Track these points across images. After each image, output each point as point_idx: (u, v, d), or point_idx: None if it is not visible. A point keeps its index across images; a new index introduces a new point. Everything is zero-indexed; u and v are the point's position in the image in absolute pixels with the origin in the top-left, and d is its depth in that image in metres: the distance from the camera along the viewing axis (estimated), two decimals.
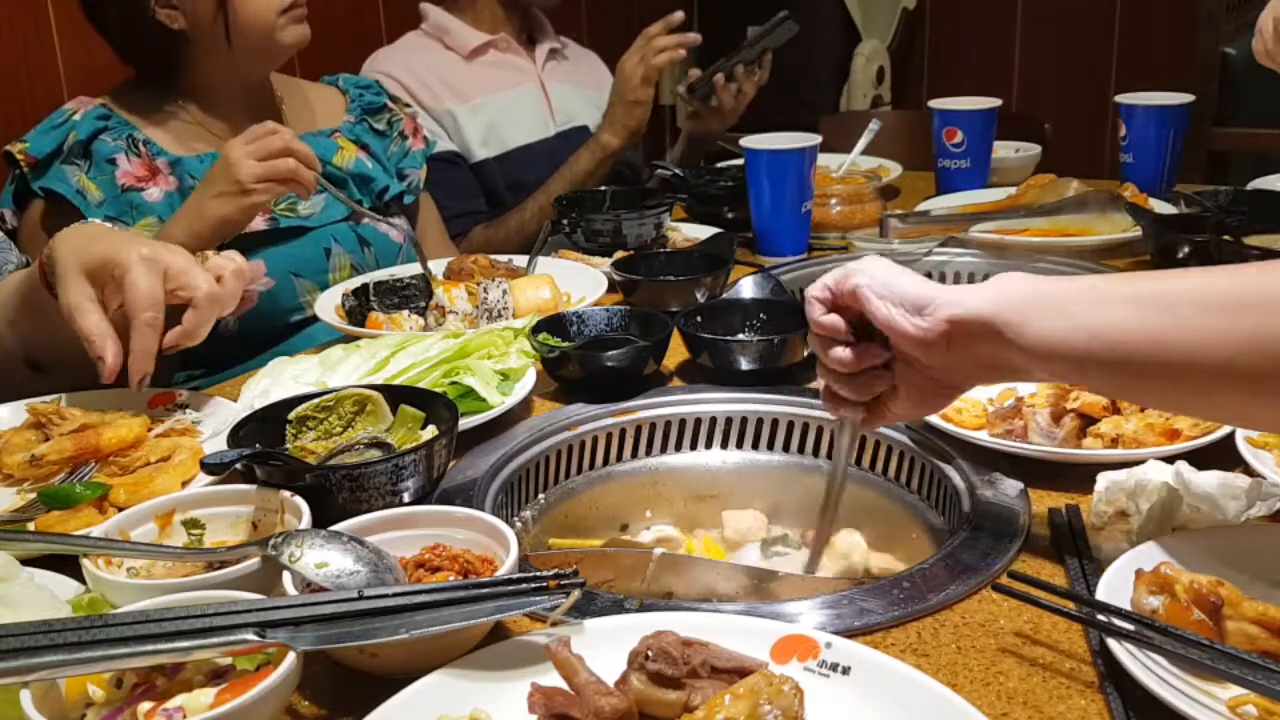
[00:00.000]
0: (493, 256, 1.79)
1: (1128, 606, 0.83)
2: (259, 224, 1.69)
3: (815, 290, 0.97)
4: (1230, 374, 0.78)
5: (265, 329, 1.73)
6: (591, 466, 1.32)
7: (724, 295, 1.64)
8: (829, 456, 1.31)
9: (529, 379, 1.32)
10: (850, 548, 1.18)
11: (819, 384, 1.02)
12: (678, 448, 1.35)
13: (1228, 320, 0.78)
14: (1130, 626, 0.81)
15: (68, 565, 0.95)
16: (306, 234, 1.77)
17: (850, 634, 0.86)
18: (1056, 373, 0.89)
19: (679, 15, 2.14)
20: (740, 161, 1.92)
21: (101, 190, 1.64)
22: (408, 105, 2.07)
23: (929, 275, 1.81)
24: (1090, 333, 0.83)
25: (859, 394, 0.98)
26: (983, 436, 1.16)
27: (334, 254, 1.78)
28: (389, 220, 1.79)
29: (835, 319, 0.96)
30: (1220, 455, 1.06)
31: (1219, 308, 0.79)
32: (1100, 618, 0.82)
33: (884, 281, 0.92)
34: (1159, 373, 0.81)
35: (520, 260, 1.79)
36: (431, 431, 1.15)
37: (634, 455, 1.34)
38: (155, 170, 1.68)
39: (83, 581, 0.93)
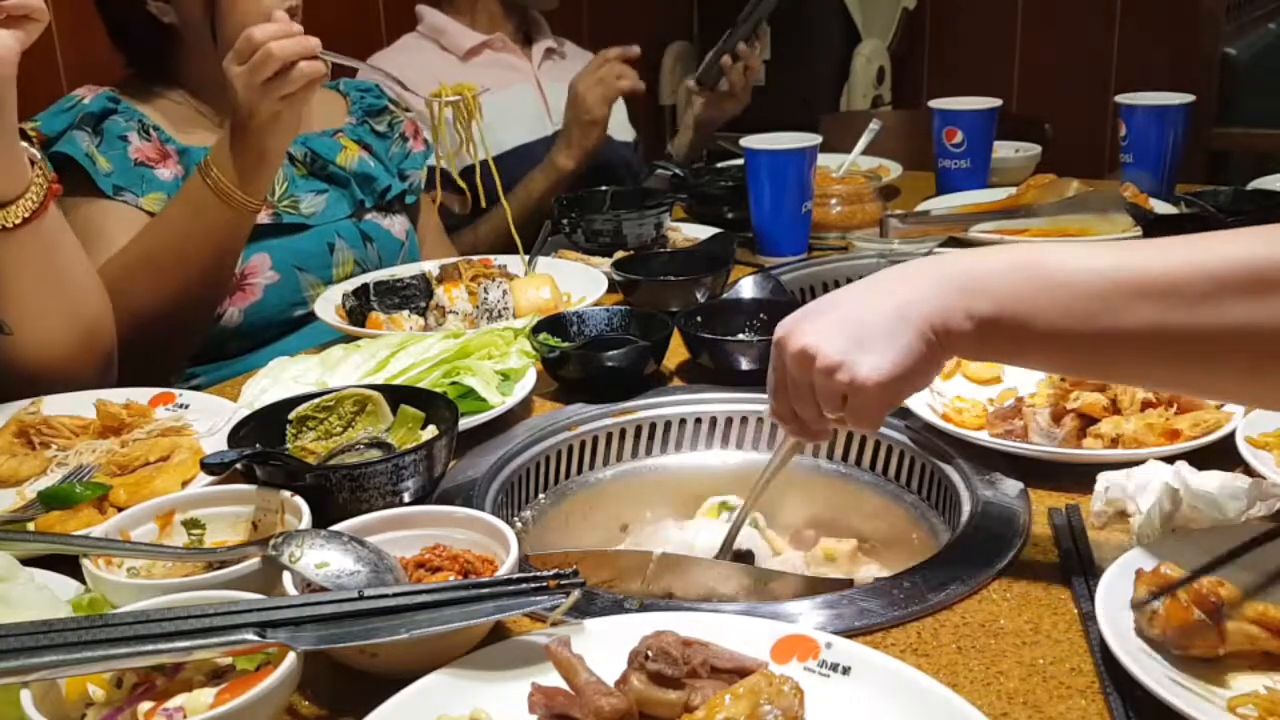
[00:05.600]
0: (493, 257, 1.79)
1: (1128, 607, 0.83)
2: (263, 218, 1.69)
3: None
4: None
5: (269, 323, 1.74)
6: (591, 466, 1.32)
7: (724, 295, 1.64)
8: (829, 457, 1.31)
9: (529, 379, 1.32)
10: (840, 555, 1.18)
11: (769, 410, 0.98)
12: (678, 448, 1.35)
13: None
14: (1130, 626, 0.81)
15: (68, 565, 0.95)
16: (309, 229, 1.77)
17: (850, 634, 0.86)
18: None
19: (636, 50, 2.16)
20: (740, 161, 1.92)
21: (112, 163, 1.64)
22: (408, 109, 2.07)
23: None
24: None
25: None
26: (983, 436, 1.16)
27: (337, 249, 1.79)
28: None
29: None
30: (1220, 455, 1.06)
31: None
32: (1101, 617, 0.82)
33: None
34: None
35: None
36: (432, 431, 1.15)
37: (634, 455, 1.34)
38: (165, 154, 1.69)
39: (83, 581, 0.93)
